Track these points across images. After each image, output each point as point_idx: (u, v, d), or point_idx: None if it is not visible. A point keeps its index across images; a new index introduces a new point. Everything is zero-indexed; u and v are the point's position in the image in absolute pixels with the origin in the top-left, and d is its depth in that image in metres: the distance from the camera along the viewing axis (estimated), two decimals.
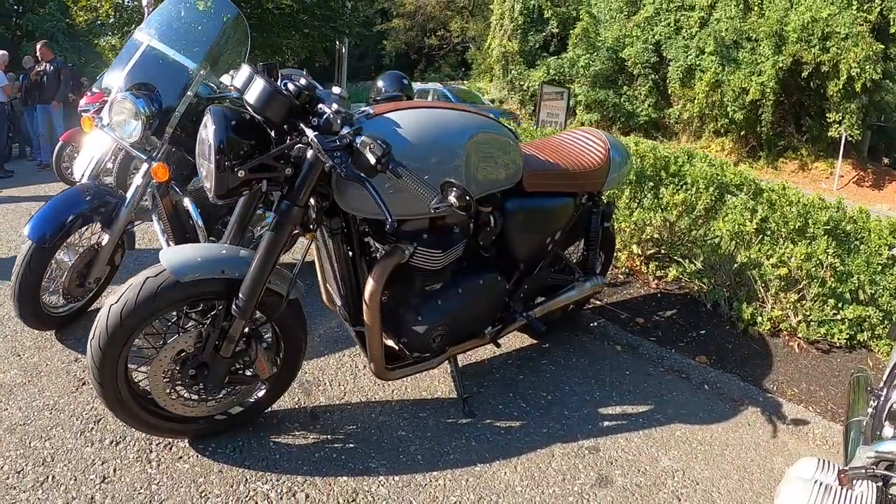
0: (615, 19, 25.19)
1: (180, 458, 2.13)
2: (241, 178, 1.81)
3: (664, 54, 23.87)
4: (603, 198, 3.04)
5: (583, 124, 25.90)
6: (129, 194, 2.91)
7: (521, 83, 26.50)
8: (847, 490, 1.42)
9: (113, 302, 1.88)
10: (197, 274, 1.91)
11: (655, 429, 2.61)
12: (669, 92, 24.03)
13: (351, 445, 2.28)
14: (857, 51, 19.23)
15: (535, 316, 2.74)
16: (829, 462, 1.52)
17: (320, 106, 1.84)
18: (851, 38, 19.46)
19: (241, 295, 1.93)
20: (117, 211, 2.91)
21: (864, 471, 1.43)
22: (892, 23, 19.31)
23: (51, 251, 2.80)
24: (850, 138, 20.91)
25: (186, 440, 2.20)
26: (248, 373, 2.16)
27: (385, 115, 2.00)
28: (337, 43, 16.63)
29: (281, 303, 2.05)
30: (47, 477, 2.00)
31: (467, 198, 1.66)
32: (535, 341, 3.26)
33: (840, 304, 3.42)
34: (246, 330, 2.05)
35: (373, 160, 1.66)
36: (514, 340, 3.24)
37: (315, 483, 2.07)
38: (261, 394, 2.27)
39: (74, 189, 2.99)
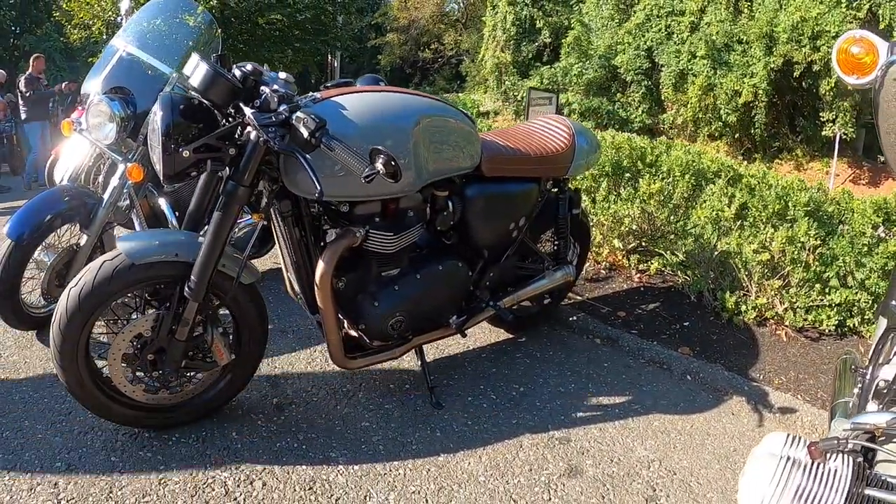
0: (607, 27, 25.28)
1: (144, 447, 2.13)
2: (186, 158, 1.82)
3: (656, 60, 23.94)
4: (570, 185, 2.99)
5: None
6: (105, 195, 2.96)
7: (515, 94, 26.61)
8: (818, 465, 1.31)
9: (73, 285, 1.91)
10: (151, 256, 1.93)
11: (632, 419, 2.54)
12: (663, 97, 24.10)
13: (313, 436, 2.24)
14: None
15: (504, 306, 2.69)
16: (799, 437, 1.40)
17: (262, 88, 1.85)
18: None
19: (192, 277, 1.93)
20: (95, 211, 2.96)
21: (836, 442, 1.31)
22: (881, 18, 19.36)
23: (28, 250, 2.85)
24: (844, 137, 20.90)
25: (151, 431, 2.20)
26: (207, 360, 2.14)
27: (331, 98, 1.99)
28: (329, 57, 16.71)
29: (233, 286, 2.03)
30: (15, 464, 2.04)
31: (393, 163, 1.63)
32: (510, 336, 3.20)
33: (826, 289, 3.34)
34: (201, 315, 2.05)
35: (306, 133, 1.66)
36: (489, 335, 3.18)
37: (273, 472, 2.04)
38: (223, 384, 2.24)
39: (53, 190, 3.07)
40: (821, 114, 21.09)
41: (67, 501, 1.89)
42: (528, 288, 2.86)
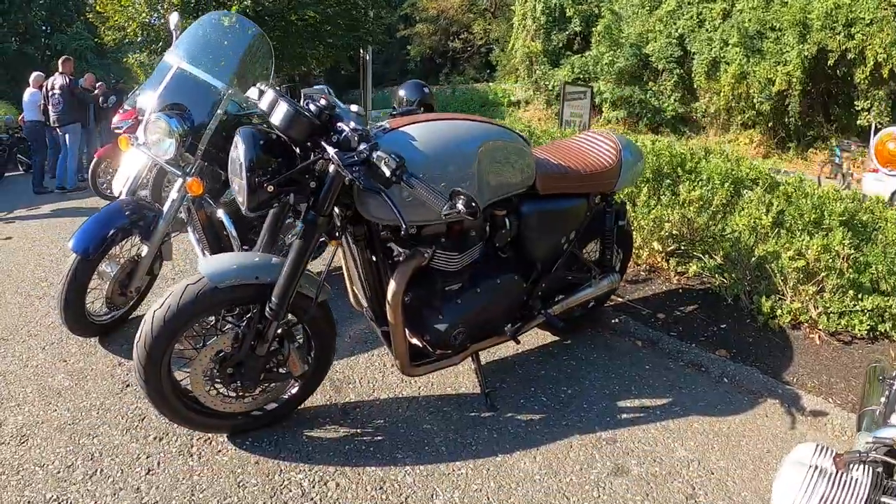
0: (637, 15, 25.04)
1: (219, 451, 2.29)
2: (270, 192, 1.97)
3: (688, 48, 23.69)
4: (616, 197, 3.13)
5: (609, 122, 25.83)
6: (165, 208, 3.09)
7: (546, 83, 26.51)
8: (842, 474, 1.47)
9: (157, 307, 2.05)
10: (233, 280, 2.08)
11: (672, 420, 2.68)
12: (695, 86, 23.84)
13: (379, 438, 2.41)
14: (883, 36, 18.91)
15: (554, 313, 2.85)
16: (826, 447, 1.56)
17: (339, 124, 1.99)
18: (876, 24, 19.10)
19: (273, 298, 2.08)
20: (155, 224, 3.09)
21: (858, 455, 1.47)
22: None
23: (94, 263, 3.00)
24: (879, 125, 20.54)
25: (225, 435, 2.36)
26: (281, 371, 2.30)
27: (400, 128, 2.13)
28: (361, 51, 16.86)
29: (310, 305, 2.19)
30: (96, 471, 2.18)
31: (473, 204, 1.77)
32: (556, 338, 3.36)
33: (860, 295, 3.43)
34: (279, 331, 2.20)
35: (388, 173, 1.79)
36: (536, 338, 3.33)
37: (345, 472, 2.21)
38: (294, 390, 2.42)
39: (114, 204, 3.19)
40: (855, 102, 20.79)
41: (152, 499, 2.05)
42: (577, 296, 3.01)
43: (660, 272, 4.25)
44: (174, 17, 3.57)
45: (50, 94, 8.54)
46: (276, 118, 1.96)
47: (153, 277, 3.39)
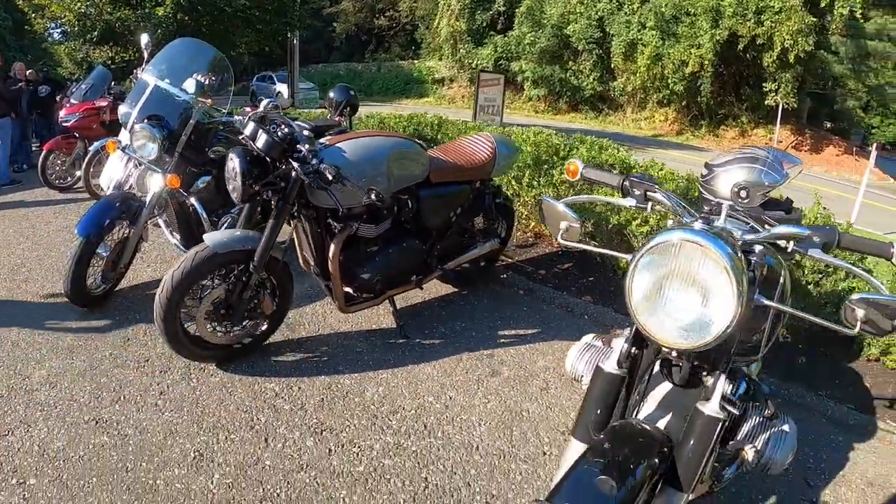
0: None
1: (212, 375, 3.28)
2: (254, 189, 3.02)
3: (607, 30, 25.12)
4: (494, 182, 4.31)
5: (530, 99, 27.15)
6: (147, 199, 3.98)
7: (470, 61, 27.58)
8: (606, 347, 2.59)
9: (175, 269, 3.03)
10: (229, 247, 3.11)
11: (539, 343, 3.84)
12: (613, 66, 25.35)
13: (325, 359, 3.50)
14: (791, 24, 20.63)
15: (449, 268, 4.01)
16: (599, 334, 2.63)
17: (298, 146, 3.06)
18: (785, 12, 20.79)
19: (255, 259, 3.13)
20: (139, 212, 3.98)
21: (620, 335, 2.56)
22: None
23: (94, 245, 3.85)
24: (786, 106, 22.45)
25: (214, 364, 3.35)
26: (258, 310, 3.37)
27: (336, 144, 3.24)
28: (289, 35, 17.59)
29: (277, 264, 3.27)
30: (119, 398, 3.04)
31: (381, 196, 2.91)
32: (455, 289, 4.53)
33: None
34: (257, 282, 3.25)
35: (330, 177, 2.89)
36: (440, 289, 4.50)
37: (303, 380, 3.27)
38: (263, 327, 3.47)
39: (107, 198, 4.03)
40: (764, 84, 22.67)
41: (166, 411, 2.98)
42: (465, 255, 4.16)
43: (543, 238, 5.48)
44: (144, 38, 4.48)
45: None
46: (259, 143, 3.00)
47: (134, 255, 4.28)
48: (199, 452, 2.66)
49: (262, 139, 2.98)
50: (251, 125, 3.05)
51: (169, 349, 3.24)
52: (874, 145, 23.97)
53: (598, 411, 1.73)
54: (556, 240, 1.88)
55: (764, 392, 2.27)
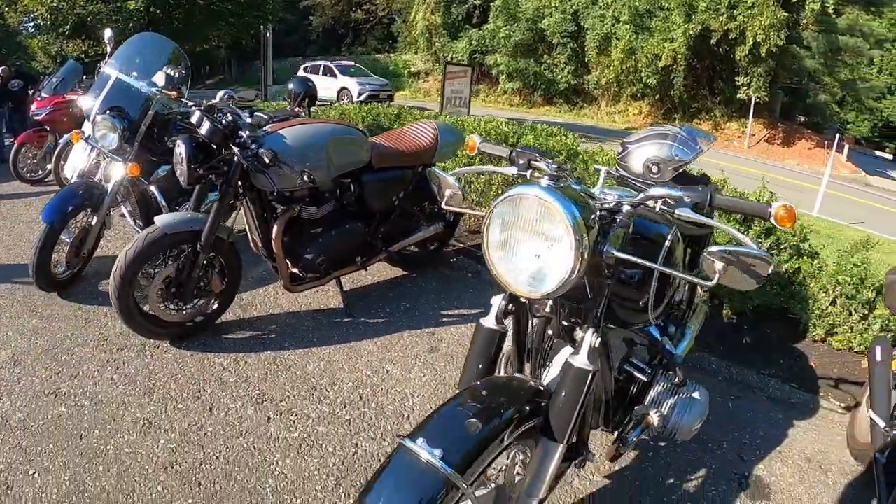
0: None
1: (165, 351, 3.49)
2: (199, 173, 3.24)
3: (582, 24, 25.43)
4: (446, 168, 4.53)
5: (505, 93, 27.46)
6: (109, 187, 4.16)
7: (445, 55, 27.76)
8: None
9: (128, 248, 3.23)
10: (178, 228, 3.32)
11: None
12: (587, 60, 25.67)
13: (273, 336, 3.72)
14: (763, 19, 21.02)
15: (394, 250, 4.24)
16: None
17: (240, 132, 3.28)
18: (757, 7, 21.16)
19: (202, 239, 3.34)
20: (101, 199, 4.16)
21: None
22: None
23: (57, 232, 4.00)
24: (758, 100, 22.87)
25: (168, 342, 3.55)
26: (207, 289, 3.58)
27: (277, 131, 3.44)
28: (262, 27, 17.71)
29: (223, 244, 3.48)
30: (79, 373, 3.24)
31: (314, 178, 3.14)
32: (405, 272, 4.76)
33: None
34: (205, 262, 3.46)
35: (267, 161, 3.11)
36: (390, 272, 4.73)
37: (251, 355, 3.49)
38: (214, 306, 3.68)
39: (71, 186, 4.21)
40: (736, 78, 23.07)
41: (120, 384, 3.17)
42: (410, 238, 4.37)
43: None
44: (108, 32, 4.68)
45: None
46: (203, 130, 3.21)
47: (98, 241, 4.43)
48: (147, 420, 2.86)
49: (205, 126, 3.19)
50: (197, 114, 3.26)
51: (127, 328, 3.45)
52: (845, 140, 24.53)
53: (480, 366, 1.89)
54: (441, 205, 2.06)
55: (676, 361, 2.43)
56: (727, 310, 4.28)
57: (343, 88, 22.12)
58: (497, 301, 1.92)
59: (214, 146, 3.27)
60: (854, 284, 3.96)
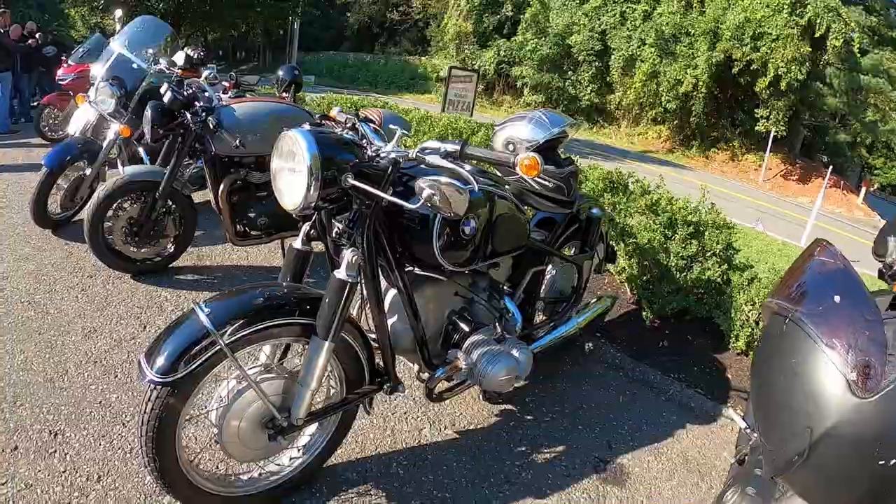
0: (566, 7, 27.08)
1: (124, 282, 4.20)
2: (160, 133, 4.00)
3: (608, 43, 25.93)
4: None
5: (528, 105, 28.01)
6: (104, 144, 4.89)
7: (473, 62, 28.40)
8: None
9: (100, 189, 4.01)
10: (141, 177, 4.10)
11: None
12: (609, 80, 26.16)
13: (215, 281, 4.42)
14: (786, 52, 21.34)
15: None
16: None
17: (196, 102, 4.01)
18: (781, 40, 21.45)
19: (160, 188, 4.07)
20: (96, 154, 4.91)
21: None
22: (817, 27, 21.51)
23: (55, 177, 4.80)
24: (776, 134, 23.12)
25: (129, 275, 4.27)
26: (164, 232, 4.31)
27: (230, 105, 4.18)
28: (290, 18, 18.52)
29: (179, 194, 4.22)
30: (52, 289, 4.00)
31: (244, 144, 3.89)
32: None
33: None
34: (163, 209, 4.19)
35: (211, 126, 3.86)
36: None
37: (191, 293, 4.18)
38: (171, 250, 4.40)
39: (72, 139, 5.04)
40: (756, 110, 23.35)
41: (82, 301, 3.91)
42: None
43: None
44: (118, 12, 5.60)
45: None
46: (165, 98, 3.95)
47: (92, 191, 5.03)
48: (93, 328, 3.57)
49: (167, 96, 3.93)
50: (165, 85, 3.99)
51: (99, 262, 4.22)
52: (864, 182, 24.71)
53: (289, 278, 2.35)
54: None
55: (512, 324, 2.82)
56: (648, 312, 4.46)
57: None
58: (304, 226, 2.33)
59: (176, 112, 4.00)
60: None
